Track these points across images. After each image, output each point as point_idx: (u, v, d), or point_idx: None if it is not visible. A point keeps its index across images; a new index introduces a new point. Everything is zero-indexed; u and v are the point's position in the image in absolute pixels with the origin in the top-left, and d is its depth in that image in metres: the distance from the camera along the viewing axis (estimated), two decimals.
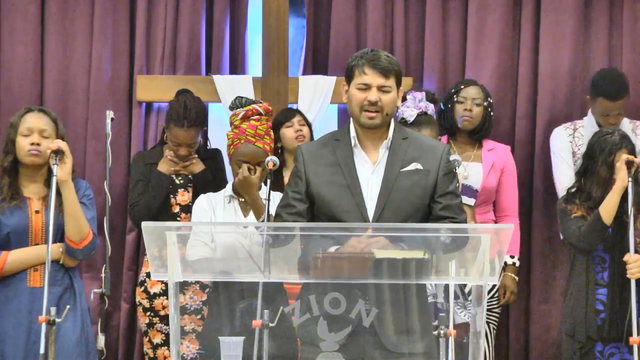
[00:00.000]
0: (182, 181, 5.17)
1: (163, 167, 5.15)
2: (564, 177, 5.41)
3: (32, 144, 4.36)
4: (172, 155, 5.14)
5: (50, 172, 4.24)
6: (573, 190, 4.76)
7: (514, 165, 5.48)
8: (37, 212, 4.39)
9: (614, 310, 4.58)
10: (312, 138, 5.27)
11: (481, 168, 5.34)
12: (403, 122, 4.89)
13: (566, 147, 5.46)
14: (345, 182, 3.80)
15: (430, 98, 4.97)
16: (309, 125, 5.34)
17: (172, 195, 5.15)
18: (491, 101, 5.48)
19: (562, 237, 5.02)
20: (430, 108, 4.92)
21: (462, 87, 5.43)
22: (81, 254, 4.41)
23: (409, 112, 4.86)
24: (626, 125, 5.45)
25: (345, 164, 3.82)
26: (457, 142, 5.30)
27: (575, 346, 4.64)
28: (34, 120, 4.41)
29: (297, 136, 5.23)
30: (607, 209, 4.53)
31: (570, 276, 4.77)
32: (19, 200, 4.38)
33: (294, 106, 5.63)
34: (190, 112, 5.07)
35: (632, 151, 4.64)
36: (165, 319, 5.05)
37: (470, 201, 4.92)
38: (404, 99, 4.90)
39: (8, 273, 4.35)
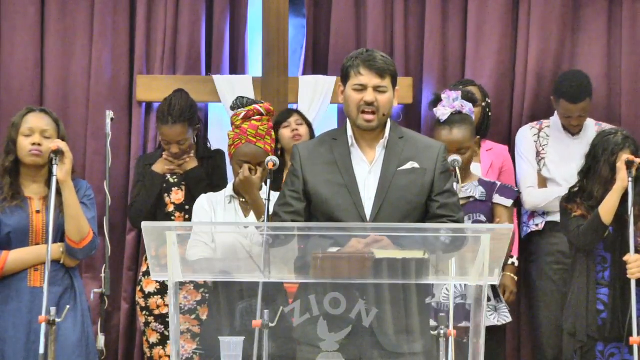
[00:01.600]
0: (175, 180, 5.17)
1: (158, 166, 5.17)
2: (526, 176, 5.45)
3: (34, 144, 4.36)
4: (167, 154, 5.15)
5: (51, 173, 4.24)
6: (575, 189, 4.76)
7: (512, 165, 5.49)
8: (37, 212, 4.39)
9: (615, 310, 4.57)
10: (312, 137, 5.27)
11: (479, 168, 5.34)
12: (437, 121, 4.88)
13: (530, 147, 5.50)
14: (343, 181, 3.80)
15: (468, 97, 4.95)
16: (309, 124, 5.34)
17: (166, 194, 5.15)
18: (489, 101, 5.49)
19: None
20: (467, 107, 4.88)
21: (461, 87, 5.43)
22: (81, 254, 4.42)
23: (442, 111, 4.83)
24: (591, 127, 5.47)
25: (342, 163, 3.82)
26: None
27: (576, 346, 4.64)
28: (36, 121, 4.41)
29: (293, 136, 5.23)
30: (607, 209, 4.53)
31: (571, 276, 4.77)
32: (20, 200, 4.38)
33: (294, 106, 5.63)
34: (173, 109, 5.08)
35: (635, 152, 4.64)
36: (159, 319, 5.06)
37: (508, 202, 4.90)
38: (440, 100, 4.89)
39: (8, 273, 4.35)
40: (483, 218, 4.80)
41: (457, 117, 4.83)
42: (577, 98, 5.35)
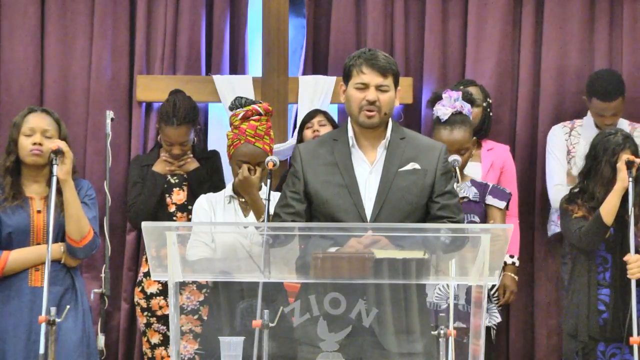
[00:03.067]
0: (177, 180, 5.18)
1: (158, 167, 5.17)
2: (555, 174, 5.43)
3: (35, 143, 4.37)
4: (166, 155, 5.15)
5: (51, 172, 4.24)
6: (576, 190, 4.76)
7: (513, 165, 5.48)
8: (38, 212, 4.39)
9: (616, 310, 4.57)
10: None
11: (480, 168, 5.33)
12: (437, 120, 4.88)
13: (561, 145, 5.48)
14: (343, 182, 3.80)
15: (467, 98, 4.95)
16: (333, 124, 5.33)
17: (167, 195, 5.16)
18: (490, 101, 5.48)
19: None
20: (467, 108, 4.89)
21: (461, 87, 5.43)
22: (82, 253, 4.42)
23: (443, 110, 4.84)
24: (625, 127, 5.45)
25: (343, 164, 3.83)
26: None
27: (577, 346, 4.64)
28: (37, 121, 4.42)
29: (314, 137, 5.22)
30: (608, 210, 4.53)
31: (572, 276, 4.77)
32: (21, 200, 4.39)
33: (294, 106, 5.63)
34: (178, 110, 5.08)
35: (635, 152, 4.64)
36: (162, 319, 5.06)
37: (501, 204, 4.90)
38: (440, 98, 4.89)
39: (9, 273, 4.36)
40: (477, 219, 4.81)
41: (458, 118, 4.84)
42: (609, 97, 5.33)
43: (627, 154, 4.58)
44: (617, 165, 4.56)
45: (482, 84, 5.56)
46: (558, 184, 5.41)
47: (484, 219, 4.84)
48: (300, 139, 5.28)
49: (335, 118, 5.66)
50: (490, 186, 4.93)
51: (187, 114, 5.10)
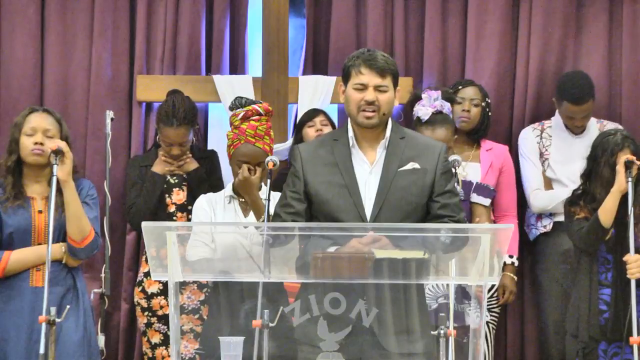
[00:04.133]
0: (176, 180, 5.17)
1: (157, 167, 5.17)
2: (531, 178, 5.43)
3: (36, 143, 4.37)
4: (165, 156, 5.15)
5: (52, 173, 4.24)
6: (578, 192, 4.77)
7: (512, 165, 5.48)
8: (40, 212, 4.39)
9: (618, 310, 4.57)
10: None
11: (479, 168, 5.34)
12: (418, 120, 4.88)
13: (533, 148, 5.48)
14: (344, 182, 3.80)
15: (447, 97, 4.95)
16: (333, 125, 5.34)
17: (167, 195, 5.15)
18: (489, 101, 5.48)
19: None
20: (447, 107, 4.90)
21: (460, 87, 5.44)
22: (83, 253, 4.41)
23: (424, 110, 4.84)
24: (594, 125, 5.46)
25: (343, 164, 3.83)
26: (455, 142, 5.28)
27: (579, 346, 4.64)
28: (38, 120, 4.42)
29: (317, 135, 5.21)
30: (605, 212, 4.52)
31: (575, 276, 4.77)
32: (22, 199, 4.39)
33: (294, 106, 5.63)
34: (178, 111, 5.08)
35: (634, 151, 4.63)
36: (163, 319, 5.06)
37: (486, 201, 4.90)
38: (419, 98, 4.89)
39: (10, 273, 4.36)
40: None
41: (439, 117, 4.85)
42: (580, 100, 5.33)
43: (626, 154, 4.58)
44: (616, 167, 4.55)
45: (482, 84, 5.56)
46: (536, 189, 5.41)
47: (470, 217, 4.84)
48: (299, 138, 5.27)
49: (335, 118, 5.67)
50: (475, 184, 4.94)
51: (187, 114, 5.10)
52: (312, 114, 5.34)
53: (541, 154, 5.47)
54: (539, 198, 5.38)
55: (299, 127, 5.34)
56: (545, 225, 5.43)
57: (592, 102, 5.39)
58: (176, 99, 5.15)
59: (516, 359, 5.75)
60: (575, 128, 5.41)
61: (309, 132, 5.27)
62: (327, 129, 5.25)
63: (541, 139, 5.49)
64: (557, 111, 5.49)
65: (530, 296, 5.70)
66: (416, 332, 3.68)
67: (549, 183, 5.46)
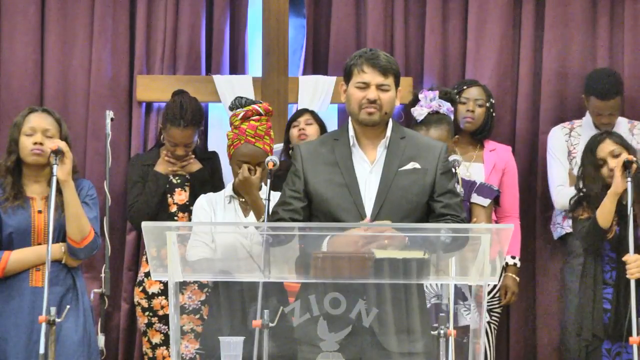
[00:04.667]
0: (179, 180, 5.17)
1: (160, 167, 5.16)
2: (556, 175, 5.43)
3: (35, 143, 4.37)
4: (169, 155, 5.15)
5: (52, 173, 4.24)
6: (581, 194, 4.77)
7: (515, 166, 5.48)
8: (39, 212, 4.39)
9: (620, 309, 4.57)
10: None
11: (483, 169, 5.33)
12: (415, 122, 4.87)
13: (561, 146, 5.48)
14: (344, 181, 3.80)
15: (446, 96, 4.94)
16: (320, 124, 5.33)
17: (169, 195, 5.15)
18: (493, 102, 5.48)
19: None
20: (445, 107, 4.89)
21: (464, 87, 5.44)
22: (83, 253, 4.41)
23: (419, 111, 4.84)
24: (624, 125, 5.46)
25: (343, 163, 3.83)
26: (459, 143, 5.28)
27: (582, 344, 4.64)
28: (38, 120, 4.42)
29: (299, 135, 5.23)
30: (602, 213, 4.52)
31: (581, 275, 4.77)
32: (22, 200, 4.39)
33: (294, 106, 5.63)
34: (186, 112, 5.07)
35: (618, 141, 4.64)
36: (163, 319, 5.05)
37: (485, 202, 4.89)
38: (417, 99, 4.89)
39: (10, 273, 4.36)
40: None
41: (434, 117, 4.84)
42: (606, 95, 5.34)
43: (608, 146, 4.59)
44: (615, 171, 4.55)
45: (485, 85, 5.55)
46: (560, 185, 5.40)
47: (470, 218, 4.84)
48: (286, 139, 5.27)
49: (336, 118, 5.67)
50: (477, 184, 4.93)
51: (194, 116, 5.11)
52: (298, 113, 5.34)
53: (569, 153, 5.47)
54: (562, 194, 5.36)
55: (287, 128, 5.33)
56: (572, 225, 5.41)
57: (620, 98, 5.40)
58: (184, 100, 5.14)
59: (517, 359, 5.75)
60: (603, 125, 5.38)
61: (293, 132, 5.27)
62: (312, 128, 5.25)
63: (570, 137, 5.48)
64: (587, 111, 5.49)
65: (531, 296, 5.70)
66: (416, 332, 3.67)
67: (575, 181, 5.43)
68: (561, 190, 5.37)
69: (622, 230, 4.58)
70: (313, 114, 5.36)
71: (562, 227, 5.45)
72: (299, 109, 5.43)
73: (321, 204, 3.81)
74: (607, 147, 4.68)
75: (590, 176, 4.67)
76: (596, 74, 5.47)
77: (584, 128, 5.48)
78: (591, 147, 4.71)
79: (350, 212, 3.76)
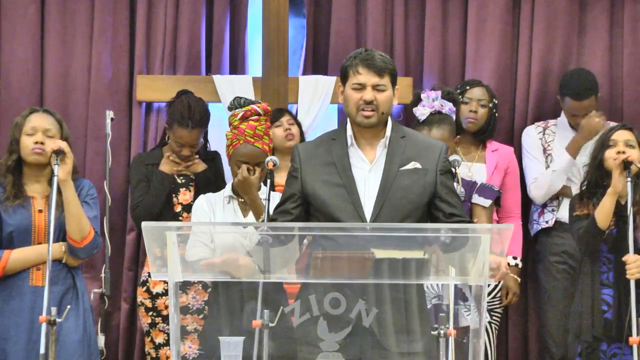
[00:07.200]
0: (183, 180, 5.18)
1: (165, 167, 5.17)
2: (533, 170, 5.46)
3: (36, 142, 4.37)
4: (173, 156, 5.15)
5: (53, 172, 4.25)
6: (583, 187, 4.73)
7: (517, 167, 5.49)
8: (40, 211, 4.39)
9: (619, 310, 4.56)
10: (302, 137, 5.30)
11: (485, 169, 5.33)
12: (417, 121, 4.87)
13: (535, 144, 5.51)
14: (341, 181, 3.80)
15: (448, 96, 4.94)
16: (299, 124, 5.35)
17: (174, 195, 5.15)
18: (496, 102, 5.48)
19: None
20: (447, 107, 4.88)
21: (467, 87, 5.44)
22: (83, 253, 4.42)
23: (422, 110, 4.83)
24: None
25: (340, 164, 3.82)
26: (461, 143, 5.29)
27: (582, 346, 4.63)
28: (39, 120, 4.43)
29: (286, 135, 5.24)
30: (601, 214, 4.49)
31: (578, 276, 4.76)
32: (23, 199, 4.39)
33: (294, 106, 5.63)
34: (194, 113, 5.09)
35: (633, 133, 4.62)
36: (167, 319, 5.03)
37: (486, 202, 4.89)
38: (420, 99, 4.89)
39: (10, 272, 4.36)
40: None
41: (436, 117, 4.84)
42: (582, 96, 5.36)
43: (628, 135, 4.56)
44: (613, 170, 4.52)
45: (488, 85, 5.55)
46: (535, 177, 5.42)
47: (470, 218, 4.83)
48: None
49: (335, 118, 5.68)
50: (478, 184, 4.92)
51: (202, 117, 5.13)
52: (278, 114, 5.32)
53: (544, 150, 5.48)
54: (536, 184, 5.39)
55: None
56: (547, 220, 5.43)
57: (595, 98, 5.40)
58: (191, 101, 5.15)
59: (520, 358, 5.75)
60: (578, 126, 5.40)
61: (277, 132, 5.25)
62: (295, 129, 5.28)
63: (544, 134, 5.50)
64: (562, 111, 5.49)
65: (532, 296, 5.70)
66: (416, 332, 3.67)
67: None
68: (536, 181, 5.39)
69: (619, 231, 4.57)
70: (291, 114, 5.39)
71: (537, 222, 5.47)
72: (275, 109, 5.36)
73: (319, 205, 3.81)
74: (625, 134, 4.62)
75: (596, 158, 4.62)
76: (571, 74, 5.49)
77: (559, 127, 5.50)
78: (609, 131, 4.66)
79: (349, 212, 3.75)
